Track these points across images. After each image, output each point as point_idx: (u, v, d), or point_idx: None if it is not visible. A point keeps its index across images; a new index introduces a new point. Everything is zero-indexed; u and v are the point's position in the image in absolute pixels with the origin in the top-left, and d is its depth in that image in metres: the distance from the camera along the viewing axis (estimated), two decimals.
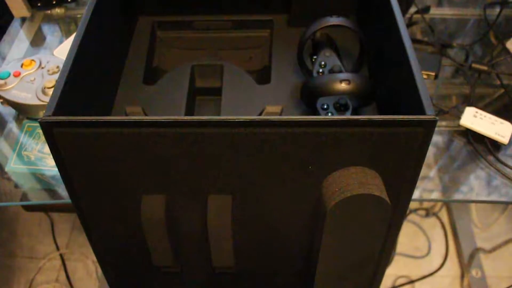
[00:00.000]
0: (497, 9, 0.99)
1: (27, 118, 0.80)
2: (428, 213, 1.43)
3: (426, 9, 0.98)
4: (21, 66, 0.80)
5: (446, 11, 1.02)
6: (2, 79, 0.78)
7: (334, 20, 0.61)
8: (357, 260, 0.53)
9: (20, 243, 1.36)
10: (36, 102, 0.75)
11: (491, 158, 0.74)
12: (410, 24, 0.97)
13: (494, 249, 1.34)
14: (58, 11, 1.01)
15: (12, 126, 0.80)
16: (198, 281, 0.61)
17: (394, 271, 1.30)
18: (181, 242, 0.54)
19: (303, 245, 0.55)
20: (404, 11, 0.96)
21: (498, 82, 0.86)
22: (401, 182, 0.48)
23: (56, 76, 0.79)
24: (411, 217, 1.40)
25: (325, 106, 0.56)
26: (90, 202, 0.50)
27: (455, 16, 1.01)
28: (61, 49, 0.89)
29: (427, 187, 0.74)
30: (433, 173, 0.75)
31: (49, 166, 0.74)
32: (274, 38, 0.71)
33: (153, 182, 0.48)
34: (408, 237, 1.37)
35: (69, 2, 1.01)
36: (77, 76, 0.49)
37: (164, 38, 0.74)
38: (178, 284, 0.62)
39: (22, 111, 0.79)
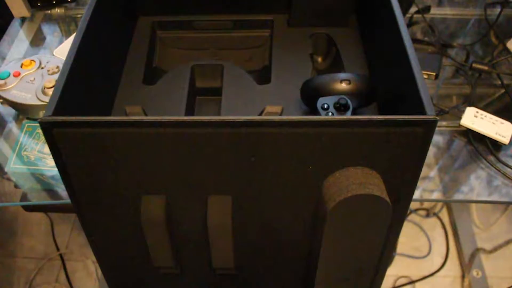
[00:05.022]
0: (498, 9, 0.99)
1: (27, 118, 0.80)
2: (429, 213, 1.43)
3: (426, 9, 0.98)
4: (21, 66, 0.80)
5: (446, 11, 1.02)
6: (2, 79, 0.78)
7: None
8: (358, 260, 0.53)
9: (20, 243, 1.36)
10: (36, 102, 0.75)
11: (491, 158, 0.74)
12: (410, 24, 0.97)
13: (494, 249, 1.34)
14: (58, 11, 1.01)
15: (12, 126, 0.80)
16: (198, 282, 0.61)
17: (394, 272, 1.30)
18: (181, 243, 0.54)
19: (303, 245, 0.55)
20: (404, 11, 0.96)
21: (499, 82, 0.86)
22: (402, 182, 0.47)
23: (56, 76, 0.79)
24: (412, 217, 1.40)
25: (325, 106, 0.56)
26: (90, 202, 0.50)
27: (456, 16, 1.01)
28: (61, 49, 0.89)
29: (427, 187, 0.74)
30: (433, 173, 0.75)
31: (49, 166, 0.74)
32: (274, 38, 0.71)
33: (153, 182, 0.48)
34: (408, 237, 1.37)
35: (69, 2, 1.01)
36: (77, 76, 0.49)
37: (164, 38, 0.74)
38: (178, 285, 0.62)
39: (22, 111, 0.79)
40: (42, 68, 0.80)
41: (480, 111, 0.77)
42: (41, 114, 0.77)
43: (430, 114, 0.43)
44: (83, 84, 0.51)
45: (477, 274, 1.28)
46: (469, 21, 1.01)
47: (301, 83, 0.61)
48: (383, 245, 0.52)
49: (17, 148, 0.77)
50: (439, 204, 1.43)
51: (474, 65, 0.86)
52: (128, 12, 0.71)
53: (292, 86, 0.64)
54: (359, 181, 0.45)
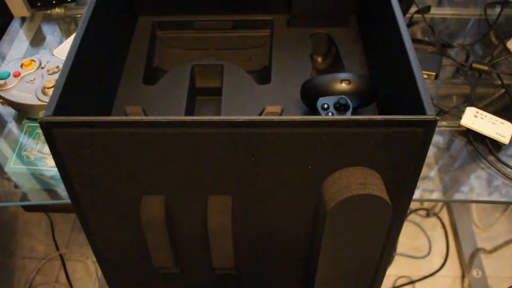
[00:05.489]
0: (498, 9, 0.99)
1: (27, 118, 0.80)
2: (429, 213, 1.43)
3: (426, 9, 0.98)
4: (21, 66, 0.80)
5: (446, 11, 1.02)
6: (2, 79, 0.78)
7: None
8: (358, 260, 0.53)
9: (20, 243, 1.36)
10: (36, 102, 0.75)
11: (491, 158, 0.74)
12: (410, 24, 0.97)
13: (494, 249, 1.34)
14: (58, 11, 1.01)
15: (12, 126, 0.80)
16: (198, 282, 0.61)
17: (394, 272, 1.30)
18: (181, 243, 0.54)
19: (303, 245, 0.55)
20: (404, 11, 0.96)
21: (499, 82, 0.86)
22: (402, 182, 0.47)
23: (56, 76, 0.79)
24: (412, 217, 1.40)
25: (325, 106, 0.56)
26: (90, 202, 0.50)
27: (456, 16, 1.01)
28: (61, 49, 0.89)
29: (427, 187, 0.74)
30: (433, 173, 0.75)
31: (49, 166, 0.74)
32: (274, 38, 0.71)
33: (153, 182, 0.48)
34: (408, 237, 1.37)
35: (69, 2, 1.01)
36: (77, 76, 0.49)
37: (164, 38, 0.74)
38: (178, 285, 0.62)
39: (22, 111, 0.79)
40: (42, 68, 0.80)
41: (480, 111, 0.77)
42: (41, 114, 0.77)
43: (430, 114, 0.43)
44: (83, 84, 0.51)
45: (477, 274, 1.28)
46: (469, 21, 1.01)
47: (301, 83, 0.61)
48: (383, 245, 0.52)
49: (17, 148, 0.77)
50: (439, 204, 1.43)
51: (474, 65, 0.86)
52: (128, 12, 0.71)
53: (292, 86, 0.64)
54: (359, 181, 0.45)
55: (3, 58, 0.92)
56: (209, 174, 0.47)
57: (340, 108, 0.56)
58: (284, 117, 0.42)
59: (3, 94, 0.77)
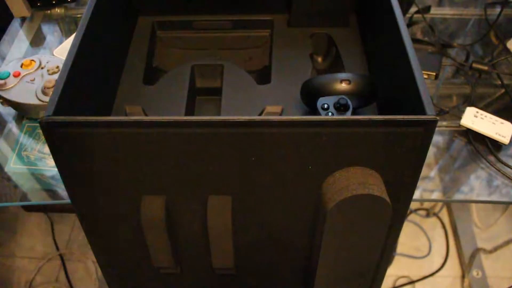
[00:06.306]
0: (498, 9, 0.99)
1: (27, 118, 0.80)
2: (429, 213, 1.43)
3: (426, 9, 0.98)
4: (21, 66, 0.80)
5: (446, 11, 1.02)
6: (2, 79, 0.78)
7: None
8: (358, 260, 0.53)
9: (20, 243, 1.36)
10: (36, 102, 0.75)
11: (491, 158, 0.74)
12: (410, 24, 0.97)
13: (494, 249, 1.34)
14: (58, 11, 1.01)
15: (12, 126, 0.80)
16: (198, 282, 0.61)
17: (394, 271, 1.30)
18: (181, 243, 0.54)
19: (303, 245, 0.55)
20: (404, 11, 0.96)
21: (499, 82, 0.86)
22: (402, 182, 0.47)
23: (56, 76, 0.79)
24: (412, 217, 1.40)
25: (325, 106, 0.56)
26: (90, 202, 0.50)
27: (456, 16, 1.01)
28: (61, 49, 0.89)
29: (427, 187, 0.74)
30: (433, 173, 0.75)
31: (49, 166, 0.74)
32: (274, 38, 0.71)
33: (153, 182, 0.48)
34: (408, 237, 1.37)
35: (69, 2, 1.01)
36: (77, 76, 0.49)
37: (164, 38, 0.74)
38: (178, 285, 0.62)
39: (22, 111, 0.79)
40: (42, 68, 0.80)
41: (480, 111, 0.77)
42: (41, 114, 0.77)
43: (430, 114, 0.43)
44: (83, 84, 0.51)
45: (477, 274, 1.28)
46: (469, 21, 1.01)
47: (301, 83, 0.61)
48: (383, 245, 0.52)
49: (17, 148, 0.77)
50: (439, 204, 1.43)
51: (474, 65, 0.86)
52: (128, 12, 0.71)
53: (292, 86, 0.64)
54: (359, 181, 0.45)
55: (3, 58, 0.92)
56: (209, 174, 0.47)
57: (340, 108, 0.56)
58: (284, 117, 0.42)
59: (3, 94, 0.77)
